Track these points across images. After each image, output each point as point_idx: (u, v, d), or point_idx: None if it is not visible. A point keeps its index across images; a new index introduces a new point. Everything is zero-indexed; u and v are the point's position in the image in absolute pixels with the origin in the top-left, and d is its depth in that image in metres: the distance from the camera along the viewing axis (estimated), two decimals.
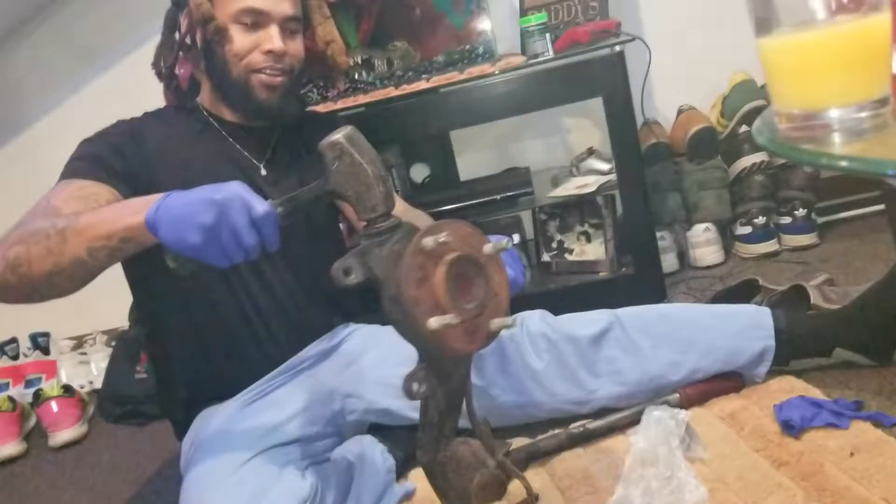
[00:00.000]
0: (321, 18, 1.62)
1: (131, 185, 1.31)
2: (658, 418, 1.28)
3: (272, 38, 1.38)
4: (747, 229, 2.18)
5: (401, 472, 1.44)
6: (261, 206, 0.99)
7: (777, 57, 0.63)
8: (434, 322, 0.89)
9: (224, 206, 0.97)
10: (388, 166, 2.15)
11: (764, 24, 0.62)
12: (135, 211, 1.05)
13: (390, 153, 2.19)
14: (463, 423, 1.10)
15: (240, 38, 1.38)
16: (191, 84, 1.53)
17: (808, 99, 0.61)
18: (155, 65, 1.51)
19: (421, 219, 1.51)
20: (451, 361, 1.02)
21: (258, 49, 1.39)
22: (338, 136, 0.98)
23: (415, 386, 0.98)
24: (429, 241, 0.91)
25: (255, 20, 1.38)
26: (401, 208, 1.51)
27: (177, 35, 1.47)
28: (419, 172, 2.39)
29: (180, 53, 1.47)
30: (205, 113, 1.49)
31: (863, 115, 0.62)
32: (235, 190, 0.99)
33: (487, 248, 0.97)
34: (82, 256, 1.06)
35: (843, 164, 0.50)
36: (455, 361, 1.03)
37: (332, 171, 0.99)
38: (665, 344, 1.43)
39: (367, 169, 0.98)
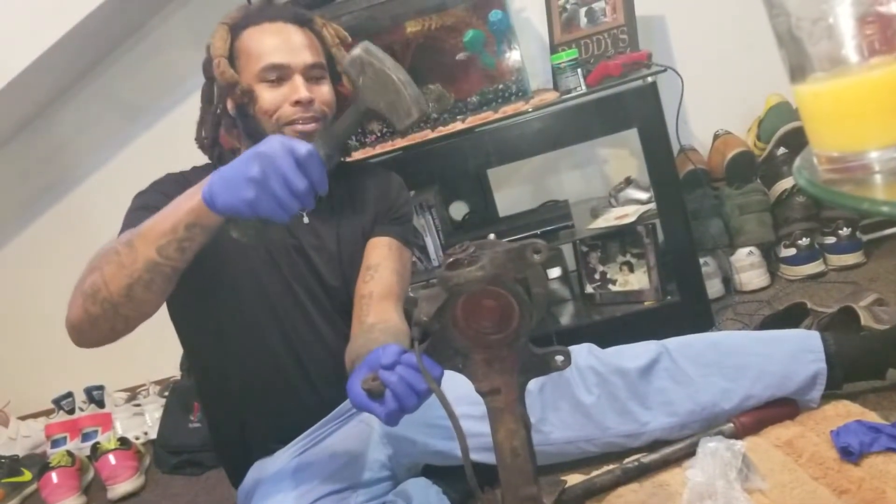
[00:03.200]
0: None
1: None
2: (714, 450, 1.27)
3: (298, 88, 1.39)
4: (791, 251, 2.16)
5: None
6: (303, 146, 1.00)
7: (813, 103, 0.64)
8: None
9: (268, 156, 0.99)
10: (427, 206, 2.18)
11: (798, 70, 0.63)
12: (190, 195, 1.07)
13: (429, 193, 2.21)
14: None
15: (267, 96, 1.39)
16: (234, 151, 1.55)
17: (847, 142, 0.61)
18: (197, 139, 1.53)
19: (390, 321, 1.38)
20: None
21: (286, 102, 1.39)
22: (356, 51, 0.99)
23: None
24: None
25: (279, 75, 1.39)
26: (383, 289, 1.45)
27: (217, 108, 1.50)
28: (458, 210, 2.42)
29: (221, 124, 1.49)
30: None
31: None
32: (276, 139, 1.01)
33: None
34: (153, 258, 1.08)
35: (885, 209, 0.51)
36: None
37: (359, 87, 0.99)
38: (715, 372, 1.43)
39: (391, 75, 0.98)
